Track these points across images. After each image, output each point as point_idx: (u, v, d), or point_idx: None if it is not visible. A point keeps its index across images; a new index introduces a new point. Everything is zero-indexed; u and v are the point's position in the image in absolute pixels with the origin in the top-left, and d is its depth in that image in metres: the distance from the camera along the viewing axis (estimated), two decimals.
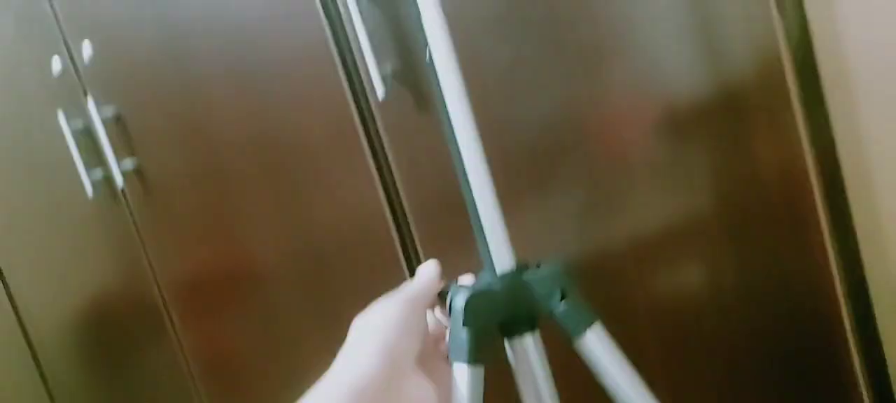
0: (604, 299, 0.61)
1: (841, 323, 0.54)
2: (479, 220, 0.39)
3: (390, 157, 0.66)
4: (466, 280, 0.43)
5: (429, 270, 0.42)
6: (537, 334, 0.40)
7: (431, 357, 0.40)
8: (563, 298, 0.38)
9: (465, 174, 0.39)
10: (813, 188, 0.52)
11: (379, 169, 0.68)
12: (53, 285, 1.08)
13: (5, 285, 1.16)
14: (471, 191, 0.39)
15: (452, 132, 0.39)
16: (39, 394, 1.22)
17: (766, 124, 0.52)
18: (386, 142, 0.66)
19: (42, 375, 1.21)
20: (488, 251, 0.39)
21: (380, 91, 0.62)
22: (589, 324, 0.39)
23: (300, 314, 0.80)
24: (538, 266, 0.41)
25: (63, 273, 1.05)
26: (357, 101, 0.66)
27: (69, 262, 1.03)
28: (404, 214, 0.68)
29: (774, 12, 0.50)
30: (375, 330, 0.38)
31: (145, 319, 0.96)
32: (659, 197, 0.56)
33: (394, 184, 0.67)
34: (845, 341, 0.54)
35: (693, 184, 0.55)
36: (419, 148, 0.64)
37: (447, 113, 0.39)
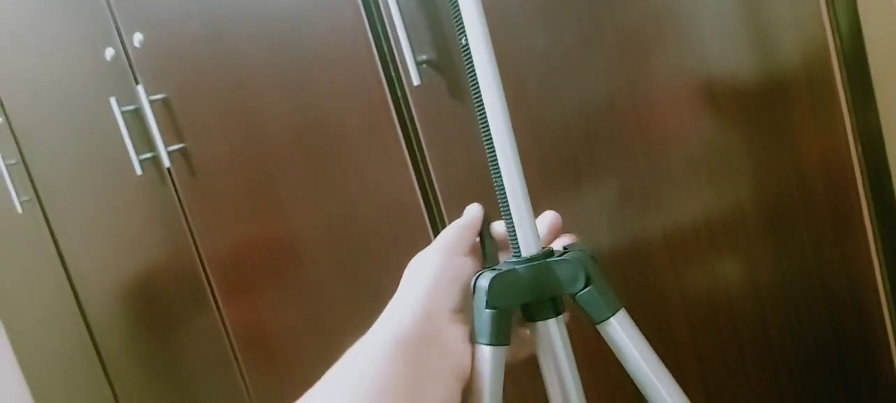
0: (637, 289, 0.61)
1: (882, 319, 0.52)
2: (507, 202, 0.39)
3: (423, 143, 0.67)
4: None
5: (471, 214, 0.42)
6: (561, 318, 0.40)
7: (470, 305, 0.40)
8: (587, 283, 0.38)
9: (493, 154, 0.39)
10: (857, 181, 0.51)
11: (412, 153, 0.69)
12: (104, 257, 1.14)
13: (61, 257, 1.23)
14: (499, 171, 0.39)
15: (482, 110, 0.38)
16: (90, 357, 1.30)
17: (810, 115, 0.50)
18: (419, 128, 0.67)
19: (93, 340, 1.28)
20: (515, 233, 0.39)
21: (415, 78, 0.63)
22: (614, 310, 0.38)
23: (335, 291, 0.82)
24: (565, 250, 0.41)
25: (113, 246, 1.11)
26: (392, 88, 0.67)
27: (119, 236, 1.08)
28: (436, 198, 0.69)
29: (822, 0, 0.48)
30: (416, 281, 0.40)
31: (189, 291, 1.01)
32: (696, 186, 0.55)
33: (426, 168, 0.69)
34: (886, 338, 0.53)
35: (732, 174, 0.54)
36: (452, 134, 0.65)
37: (477, 89, 0.38)
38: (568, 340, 0.40)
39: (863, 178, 0.51)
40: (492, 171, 0.39)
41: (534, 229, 0.40)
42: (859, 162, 0.51)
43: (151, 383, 1.19)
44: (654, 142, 0.56)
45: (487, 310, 0.38)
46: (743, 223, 0.55)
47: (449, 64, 0.63)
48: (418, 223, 0.71)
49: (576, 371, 0.40)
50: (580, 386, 0.40)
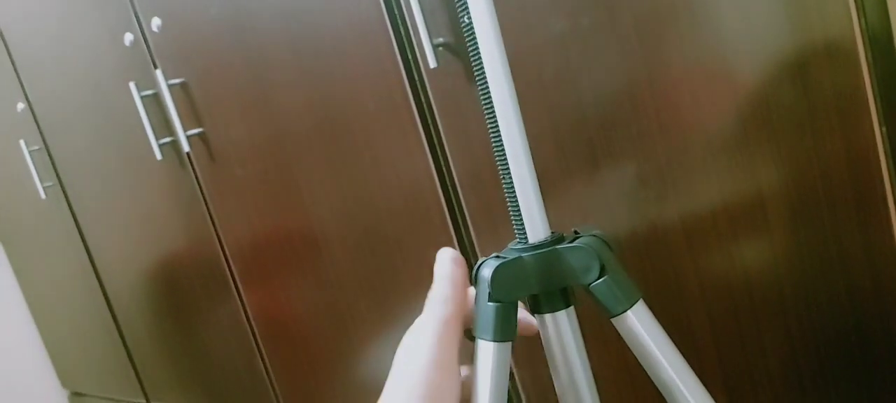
0: (654, 277, 0.60)
1: None
2: (511, 180, 0.35)
3: (440, 127, 0.67)
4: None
5: (450, 277, 0.35)
6: (572, 310, 0.37)
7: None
8: (602, 273, 0.34)
9: (496, 131, 0.35)
10: (882, 167, 0.50)
11: (429, 138, 0.69)
12: (127, 242, 1.16)
13: (84, 241, 1.26)
14: (502, 149, 0.35)
15: (485, 83, 0.34)
16: (115, 341, 1.32)
17: (832, 98, 0.49)
18: (436, 112, 0.67)
19: (117, 324, 1.31)
20: (520, 218, 0.35)
21: (431, 61, 0.62)
22: (631, 302, 0.35)
23: (353, 277, 0.83)
24: (577, 234, 0.37)
25: (135, 231, 1.12)
26: (408, 71, 0.67)
27: (141, 221, 1.10)
28: (453, 183, 0.69)
29: None
30: (411, 387, 0.33)
31: (210, 276, 1.02)
32: (714, 172, 0.55)
33: (443, 152, 0.69)
34: None
35: (751, 159, 0.53)
36: (469, 118, 0.65)
37: (479, 60, 0.34)
38: (579, 333, 0.37)
39: (888, 164, 0.50)
40: (494, 145, 0.35)
41: (541, 212, 0.36)
42: (884, 146, 0.50)
43: (175, 367, 1.22)
44: (671, 127, 0.55)
45: (491, 304, 0.35)
46: (763, 209, 0.54)
47: (465, 47, 0.63)
48: (435, 208, 0.71)
49: (588, 367, 0.37)
50: (593, 383, 0.37)
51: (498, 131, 0.35)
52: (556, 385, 0.37)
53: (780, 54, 0.50)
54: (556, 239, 0.36)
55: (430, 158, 0.69)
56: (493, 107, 0.35)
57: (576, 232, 0.37)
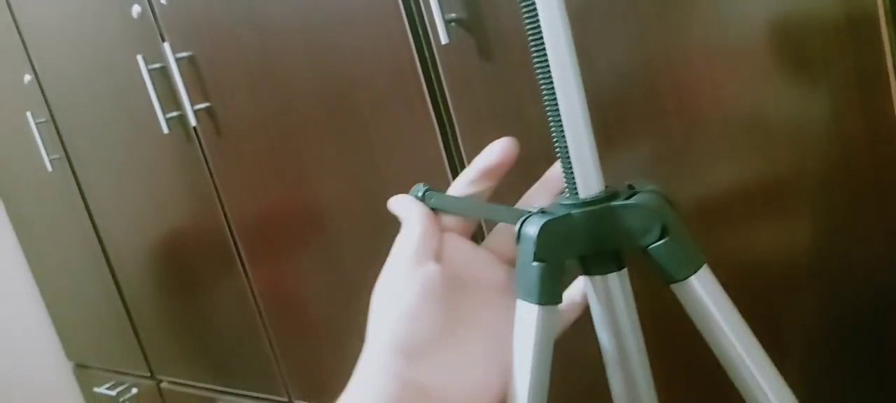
0: None
1: None
2: (562, 129, 0.31)
3: (451, 104, 0.67)
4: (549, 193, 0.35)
5: (413, 217, 0.34)
6: (625, 273, 0.33)
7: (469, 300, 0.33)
8: (663, 234, 0.30)
9: (545, 69, 0.31)
10: None
11: (438, 115, 0.68)
12: (133, 216, 1.16)
13: (90, 215, 1.26)
14: (552, 89, 0.31)
15: (534, 18, 0.30)
16: (120, 314, 1.33)
17: (854, 77, 0.49)
18: (447, 89, 0.66)
19: (122, 297, 1.31)
20: (570, 171, 0.32)
21: (443, 36, 0.62)
22: (695, 267, 0.31)
23: (360, 255, 0.83)
24: (632, 189, 0.33)
25: (142, 205, 1.12)
26: (419, 47, 0.66)
27: (147, 195, 1.10)
28: (462, 162, 0.69)
29: None
30: (377, 339, 0.32)
31: (216, 252, 1.02)
32: (731, 153, 0.54)
33: (453, 131, 0.68)
34: None
35: (769, 139, 0.52)
36: (480, 96, 0.64)
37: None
38: (632, 299, 0.34)
39: None
40: (545, 92, 0.31)
41: (595, 163, 0.32)
42: None
43: (179, 340, 1.22)
44: (688, 105, 0.55)
45: (535, 264, 0.31)
46: (780, 191, 0.53)
47: (478, 23, 0.62)
48: (444, 187, 0.70)
49: (641, 336, 0.34)
50: (645, 355, 0.34)
51: (548, 69, 0.30)
52: (603, 355, 0.35)
53: (802, 33, 0.49)
54: (611, 194, 0.32)
55: (440, 135, 0.68)
56: (542, 41, 0.30)
57: (631, 187, 0.33)
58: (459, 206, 0.36)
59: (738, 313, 0.32)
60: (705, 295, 0.31)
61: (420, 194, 0.38)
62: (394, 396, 0.30)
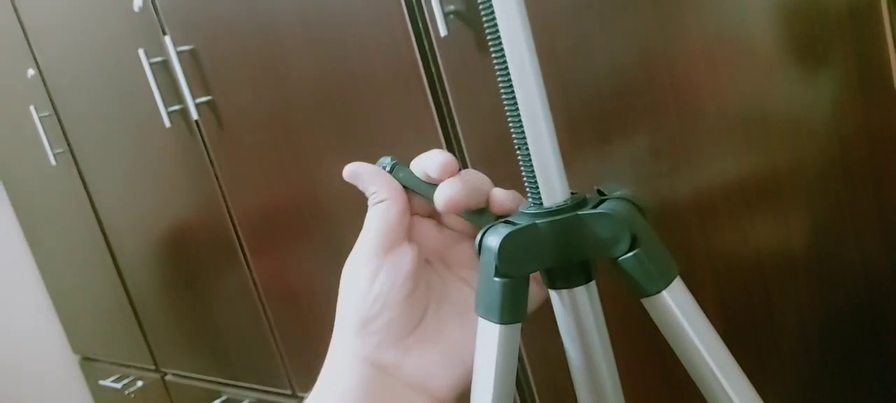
0: None
1: None
2: (522, 130, 0.28)
3: (450, 97, 0.67)
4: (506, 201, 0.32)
5: (389, 193, 0.33)
6: (593, 286, 0.31)
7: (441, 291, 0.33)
8: (633, 245, 0.28)
9: (505, 71, 0.28)
10: None
11: (438, 108, 0.68)
12: (137, 210, 1.16)
13: (94, 208, 1.27)
14: (512, 93, 0.28)
15: (489, 8, 0.28)
16: (124, 307, 1.34)
17: (854, 71, 0.48)
18: (446, 81, 0.66)
19: (126, 290, 1.32)
20: (533, 174, 0.29)
21: (442, 29, 0.61)
22: (667, 280, 0.29)
23: None
24: (601, 195, 0.31)
25: (145, 198, 1.13)
26: (419, 40, 0.66)
27: (150, 189, 1.10)
28: (462, 154, 0.69)
29: None
30: (345, 319, 0.32)
31: (219, 245, 1.03)
32: (729, 148, 0.54)
33: (452, 123, 0.68)
34: None
35: (767, 133, 0.52)
36: (479, 88, 0.64)
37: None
38: (601, 311, 0.31)
39: None
40: (503, 91, 0.28)
41: (560, 167, 0.29)
42: None
43: (183, 333, 1.23)
44: (686, 99, 0.54)
45: (497, 280, 0.29)
46: (778, 186, 0.53)
47: (477, 16, 0.62)
48: None
49: (610, 352, 0.32)
50: (614, 369, 0.32)
51: (505, 63, 0.27)
52: (571, 370, 0.33)
53: (802, 24, 0.49)
54: (578, 202, 0.30)
55: (440, 128, 0.68)
56: (497, 30, 0.27)
57: (600, 193, 0.31)
58: (425, 190, 0.34)
59: (711, 328, 0.30)
60: (677, 309, 0.29)
61: (388, 167, 0.35)
62: (365, 378, 0.31)
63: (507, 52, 0.28)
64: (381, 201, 0.34)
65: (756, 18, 0.50)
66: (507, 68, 0.28)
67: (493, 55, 0.29)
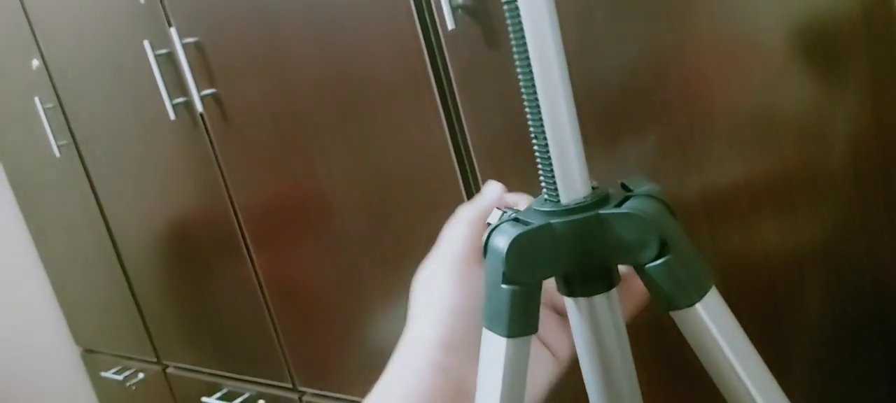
0: None
1: None
2: (541, 122, 0.25)
3: (457, 92, 0.66)
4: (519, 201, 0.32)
5: (489, 197, 0.34)
6: (614, 294, 0.28)
7: None
8: (663, 251, 0.24)
9: (522, 44, 0.25)
10: None
11: (445, 104, 0.68)
12: (140, 202, 1.16)
13: (98, 201, 1.26)
14: (530, 69, 0.24)
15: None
16: (127, 300, 1.34)
17: (866, 75, 0.48)
18: (453, 76, 0.66)
19: (129, 282, 1.32)
20: (550, 167, 0.25)
21: (449, 22, 0.61)
22: (702, 292, 0.25)
23: (365, 244, 0.82)
24: (626, 190, 0.27)
25: (149, 191, 1.13)
26: (426, 34, 0.66)
27: (154, 181, 1.10)
28: (468, 150, 0.68)
29: None
30: (431, 325, 0.31)
31: (222, 239, 1.02)
32: (738, 148, 0.53)
33: (459, 119, 0.67)
34: None
35: (777, 133, 0.52)
36: (486, 84, 0.64)
37: None
38: (622, 324, 0.28)
39: None
40: (522, 80, 0.25)
41: (581, 159, 0.25)
42: None
43: (186, 327, 1.23)
44: (695, 98, 0.54)
45: (505, 287, 0.25)
46: (787, 185, 0.53)
47: (484, 10, 0.61)
48: (450, 175, 0.70)
49: (632, 367, 0.29)
50: (636, 386, 0.29)
51: (523, 41, 0.24)
52: (586, 385, 0.30)
53: (813, 25, 0.48)
54: (599, 198, 0.26)
55: (445, 123, 0.68)
56: (519, 17, 0.24)
57: (625, 188, 0.28)
58: None
59: (752, 347, 0.27)
60: (713, 325, 0.25)
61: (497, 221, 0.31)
62: (435, 386, 0.29)
63: (523, 16, 0.24)
64: (465, 217, 0.35)
65: (766, 17, 0.49)
66: (524, 40, 0.25)
67: (510, 28, 0.26)
